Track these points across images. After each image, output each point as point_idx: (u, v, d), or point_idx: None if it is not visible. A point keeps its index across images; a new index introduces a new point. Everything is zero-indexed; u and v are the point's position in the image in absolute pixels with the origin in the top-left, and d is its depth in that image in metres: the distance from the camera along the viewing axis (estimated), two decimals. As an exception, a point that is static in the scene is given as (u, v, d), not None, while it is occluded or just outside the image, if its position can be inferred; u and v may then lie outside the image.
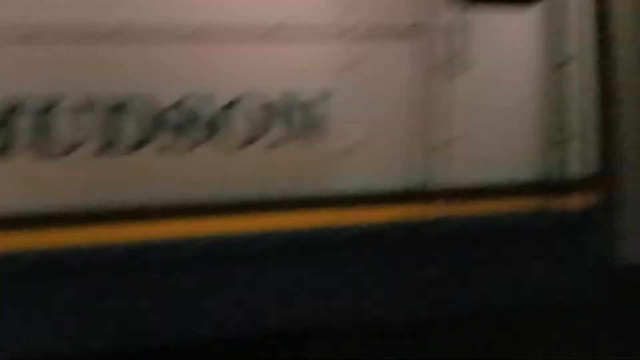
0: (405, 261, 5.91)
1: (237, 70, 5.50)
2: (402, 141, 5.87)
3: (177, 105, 5.38)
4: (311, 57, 5.66)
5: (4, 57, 4.94)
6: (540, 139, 6.22)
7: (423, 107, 5.92)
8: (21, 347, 5.01)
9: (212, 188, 5.44)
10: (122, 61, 5.20)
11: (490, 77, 6.08)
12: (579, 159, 6.29)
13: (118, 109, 5.19)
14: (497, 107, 6.12)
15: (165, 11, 5.30)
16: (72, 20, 5.10)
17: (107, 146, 5.18)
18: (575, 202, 6.26)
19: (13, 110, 4.98)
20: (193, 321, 5.37)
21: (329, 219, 5.71)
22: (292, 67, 5.62)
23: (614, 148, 6.63)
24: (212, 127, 5.44)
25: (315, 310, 5.70)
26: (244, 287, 5.51)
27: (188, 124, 5.39)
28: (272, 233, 5.54)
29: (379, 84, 5.81)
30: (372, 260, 5.83)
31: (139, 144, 5.27)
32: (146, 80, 5.28)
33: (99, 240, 5.14)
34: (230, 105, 5.49)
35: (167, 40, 5.32)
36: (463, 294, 5.99)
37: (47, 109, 5.05)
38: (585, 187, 6.26)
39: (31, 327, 5.03)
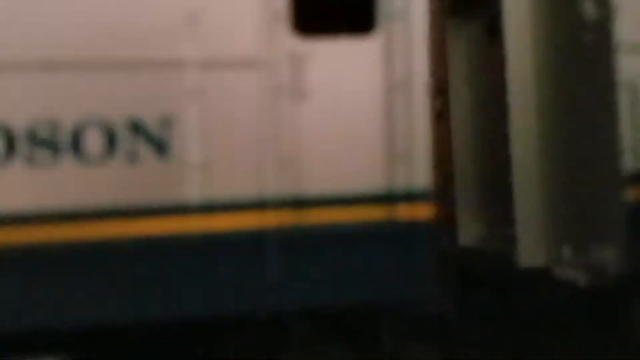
0: (257, 264, 6.70)
1: (95, 95, 6.48)
2: (249, 158, 6.68)
3: (43, 124, 6.41)
4: (164, 84, 6.57)
5: None
6: (385, 154, 6.89)
7: (270, 128, 6.72)
8: None
9: (73, 198, 6.43)
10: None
11: (334, 100, 6.82)
12: (424, 173, 6.93)
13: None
14: (342, 127, 6.84)
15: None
16: None
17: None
18: (418, 212, 6.88)
19: None
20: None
21: (181, 226, 6.59)
22: (149, 93, 6.55)
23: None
24: (75, 145, 6.43)
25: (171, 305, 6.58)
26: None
27: (53, 141, 6.40)
28: (126, 238, 6.46)
29: (227, 108, 6.66)
30: (223, 263, 6.65)
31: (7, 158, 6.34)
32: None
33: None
34: (89, 127, 6.46)
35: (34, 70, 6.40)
36: (300, 293, 6.74)
37: None
38: (427, 199, 6.89)
39: None
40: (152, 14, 6.61)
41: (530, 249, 7.87)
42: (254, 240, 6.69)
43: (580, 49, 7.59)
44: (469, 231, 8.96)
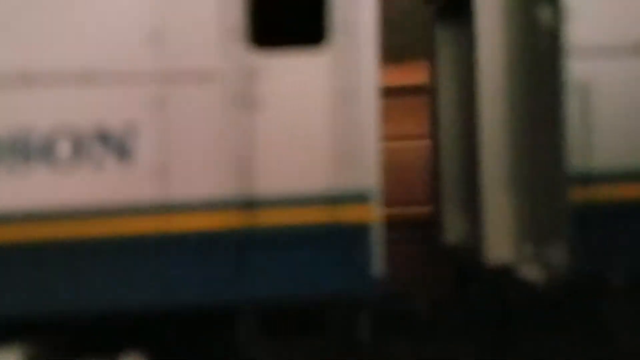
0: (214, 261, 7.26)
1: (64, 108, 7.13)
2: (206, 163, 7.24)
3: (23, 136, 7.11)
4: (125, 97, 7.18)
5: None
6: (334, 160, 7.34)
7: (225, 136, 7.26)
8: None
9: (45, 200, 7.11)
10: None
11: (287, 109, 7.31)
12: (368, 177, 7.36)
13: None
14: (294, 134, 7.32)
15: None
16: None
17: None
18: (365, 213, 7.31)
19: None
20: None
21: (141, 226, 7.19)
22: (113, 106, 7.17)
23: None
24: (47, 153, 7.09)
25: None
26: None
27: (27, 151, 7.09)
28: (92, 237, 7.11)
29: (185, 117, 7.24)
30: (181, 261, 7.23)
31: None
32: None
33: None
34: (60, 136, 7.12)
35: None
36: (252, 289, 7.28)
37: None
38: (374, 201, 7.33)
39: None
40: (117, 31, 7.21)
41: (496, 247, 8.18)
42: (209, 240, 7.23)
43: (535, 53, 7.87)
44: (454, 229, 9.31)
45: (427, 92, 10.07)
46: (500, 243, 8.17)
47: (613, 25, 7.64)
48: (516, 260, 8.12)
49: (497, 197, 8.18)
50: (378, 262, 7.30)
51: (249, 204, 7.29)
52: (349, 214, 7.31)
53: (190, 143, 7.26)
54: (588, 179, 7.57)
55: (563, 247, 7.53)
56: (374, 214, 7.31)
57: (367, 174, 7.36)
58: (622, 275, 7.55)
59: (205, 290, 7.22)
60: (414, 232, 10.11)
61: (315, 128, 7.35)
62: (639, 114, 7.61)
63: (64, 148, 7.18)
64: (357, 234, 7.26)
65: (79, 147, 7.18)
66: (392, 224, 9.69)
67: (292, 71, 7.36)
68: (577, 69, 7.60)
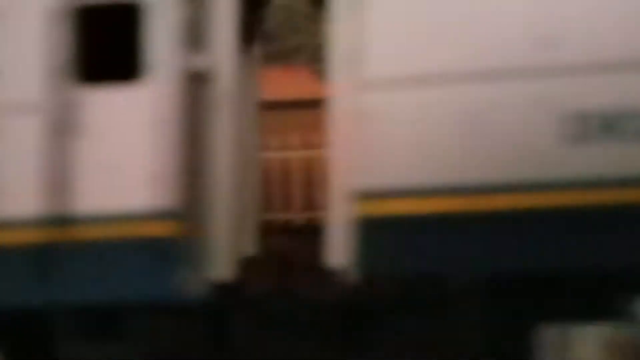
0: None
1: None
2: (29, 185, 8.37)
3: None
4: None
5: None
6: (143, 182, 8.29)
7: (49, 161, 8.36)
8: None
9: None
10: None
11: (104, 138, 8.38)
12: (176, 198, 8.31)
13: None
14: (110, 159, 8.36)
15: None
16: None
17: None
18: (166, 230, 8.26)
19: None
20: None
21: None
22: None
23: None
24: None
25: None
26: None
27: None
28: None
29: (13, 146, 8.36)
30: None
31: None
32: None
33: None
34: None
35: None
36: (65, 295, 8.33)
37: None
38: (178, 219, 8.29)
39: None
40: None
41: (330, 253, 8.81)
42: (29, 253, 8.32)
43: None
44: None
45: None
46: (334, 249, 8.79)
47: (400, 59, 8.34)
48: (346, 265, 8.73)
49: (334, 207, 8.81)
50: (197, 271, 8.33)
51: (66, 221, 8.30)
52: (155, 229, 8.26)
53: (17, 168, 8.35)
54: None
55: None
56: (180, 229, 8.28)
57: (176, 194, 8.31)
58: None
59: (20, 295, 8.30)
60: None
61: (129, 154, 8.34)
62: (421, 137, 8.31)
63: None
64: (161, 247, 8.19)
65: None
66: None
67: (110, 103, 8.39)
68: (368, 99, 8.33)
